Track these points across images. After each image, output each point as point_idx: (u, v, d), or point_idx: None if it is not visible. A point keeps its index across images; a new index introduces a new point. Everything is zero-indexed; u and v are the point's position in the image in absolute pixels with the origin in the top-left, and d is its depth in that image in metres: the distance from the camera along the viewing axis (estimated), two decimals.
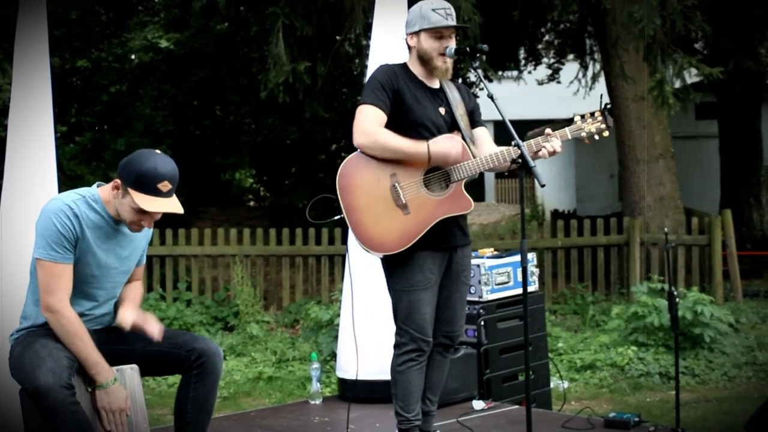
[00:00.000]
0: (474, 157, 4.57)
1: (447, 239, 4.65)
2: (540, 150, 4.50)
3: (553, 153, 4.51)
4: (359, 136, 4.50)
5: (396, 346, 4.71)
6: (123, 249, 4.17)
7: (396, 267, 4.63)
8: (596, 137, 4.59)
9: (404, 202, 4.50)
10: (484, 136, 4.82)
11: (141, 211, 3.99)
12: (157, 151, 4.07)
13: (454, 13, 4.64)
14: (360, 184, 4.52)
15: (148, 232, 4.31)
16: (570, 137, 4.58)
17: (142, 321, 4.17)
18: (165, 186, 3.97)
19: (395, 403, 4.74)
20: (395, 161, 4.51)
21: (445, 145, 4.50)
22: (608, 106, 4.64)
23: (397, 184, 4.51)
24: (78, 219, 4.00)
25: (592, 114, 4.61)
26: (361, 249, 4.58)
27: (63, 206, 4.00)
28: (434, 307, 4.68)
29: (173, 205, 4.00)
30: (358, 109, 4.56)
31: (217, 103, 18.54)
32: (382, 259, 4.67)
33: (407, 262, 4.57)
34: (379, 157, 4.50)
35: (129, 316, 4.17)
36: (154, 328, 4.15)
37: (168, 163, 4.02)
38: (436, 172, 4.56)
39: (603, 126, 4.58)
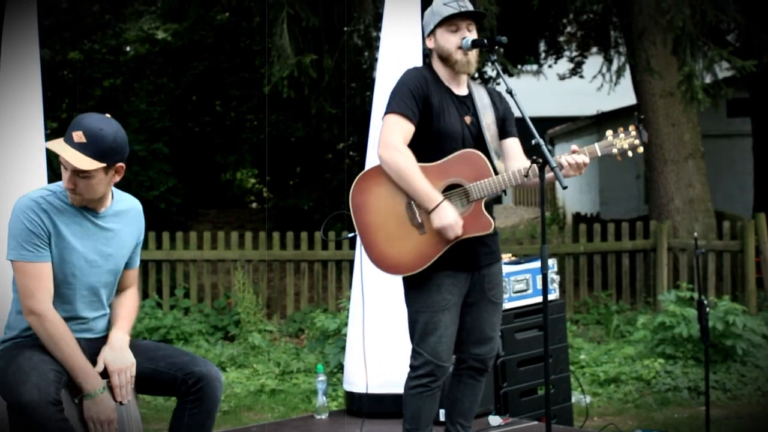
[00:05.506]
0: (496, 174, 4.55)
1: (470, 259, 4.63)
2: (561, 169, 4.44)
3: (578, 168, 4.50)
4: (384, 151, 4.50)
5: (410, 368, 4.71)
6: (105, 246, 4.12)
7: (413, 286, 4.63)
8: (629, 153, 4.55)
9: (420, 221, 4.50)
10: (514, 148, 4.78)
11: (64, 168, 3.95)
12: (107, 115, 4.05)
13: (469, 5, 4.63)
14: (374, 201, 4.54)
15: (137, 230, 4.29)
16: (600, 154, 4.55)
17: (116, 369, 4.04)
18: (78, 136, 3.91)
19: (403, 424, 4.74)
20: None
21: (450, 218, 4.44)
22: (642, 118, 4.62)
23: (413, 203, 4.51)
24: (47, 214, 3.98)
25: (626, 128, 4.58)
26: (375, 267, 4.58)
27: (30, 202, 3.99)
28: (454, 331, 4.66)
29: (69, 154, 3.89)
30: (385, 118, 4.56)
31: (218, 99, 18.59)
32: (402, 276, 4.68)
33: (425, 281, 4.57)
34: (391, 176, 4.51)
35: (108, 360, 4.06)
36: (123, 396, 4.05)
37: (101, 120, 3.97)
38: (455, 190, 4.53)
39: (637, 142, 4.54)
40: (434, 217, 4.46)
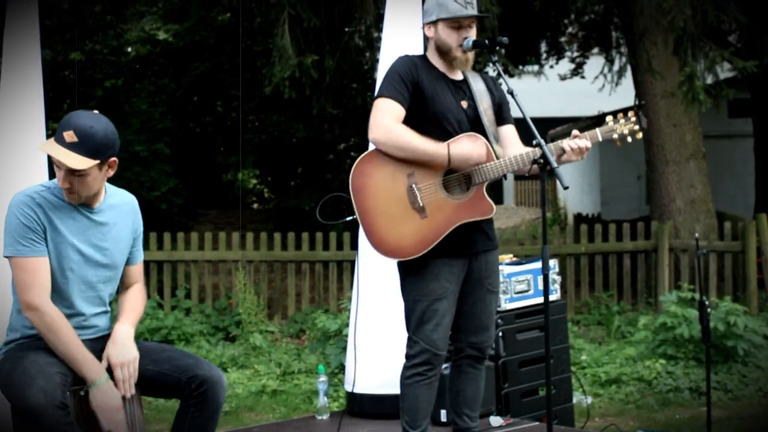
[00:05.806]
0: (497, 158, 4.54)
1: (467, 245, 4.62)
2: (563, 154, 4.46)
3: (579, 153, 4.48)
4: (375, 132, 4.49)
5: (406, 357, 4.71)
6: (101, 240, 4.13)
7: (410, 273, 4.61)
8: (629, 139, 4.56)
9: (421, 205, 4.48)
10: (510, 134, 4.79)
11: (58, 168, 3.96)
12: (95, 111, 4.06)
13: (474, 2, 4.62)
14: (375, 184, 4.51)
15: (133, 224, 4.29)
16: (601, 139, 4.55)
17: (118, 363, 4.03)
18: (70, 136, 3.93)
19: (402, 417, 4.73)
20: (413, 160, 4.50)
21: (466, 146, 4.47)
22: (642, 104, 4.64)
23: (414, 186, 4.49)
24: (42, 208, 3.99)
25: (625, 113, 4.58)
26: (376, 253, 4.56)
27: (24, 198, 4.00)
28: (451, 318, 4.66)
29: (63, 155, 3.91)
30: (375, 103, 4.55)
31: (219, 99, 18.59)
32: (398, 263, 4.66)
33: (422, 269, 4.55)
34: (395, 155, 4.49)
35: (110, 354, 4.06)
36: (126, 390, 4.04)
37: (90, 117, 3.99)
38: (457, 174, 4.52)
39: (636, 127, 4.55)
40: (456, 163, 4.46)
